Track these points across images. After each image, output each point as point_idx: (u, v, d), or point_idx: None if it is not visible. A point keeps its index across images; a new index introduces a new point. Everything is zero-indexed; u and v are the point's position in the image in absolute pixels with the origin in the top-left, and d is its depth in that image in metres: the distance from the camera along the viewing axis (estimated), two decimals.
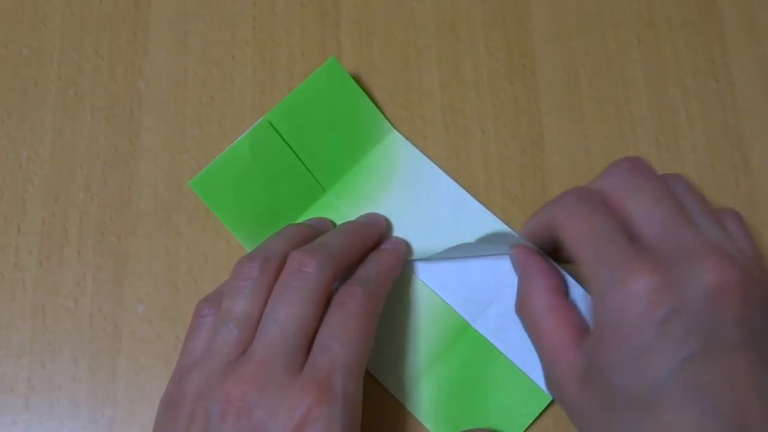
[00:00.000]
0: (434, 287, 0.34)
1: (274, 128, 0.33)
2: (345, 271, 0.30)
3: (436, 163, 0.36)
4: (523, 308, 0.29)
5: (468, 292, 0.33)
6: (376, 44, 0.38)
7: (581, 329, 0.27)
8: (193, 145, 0.36)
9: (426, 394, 0.32)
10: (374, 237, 0.33)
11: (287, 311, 0.27)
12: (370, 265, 0.31)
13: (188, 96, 0.37)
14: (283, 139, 0.34)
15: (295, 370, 0.26)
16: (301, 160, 0.34)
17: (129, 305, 0.34)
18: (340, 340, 0.27)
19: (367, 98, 0.35)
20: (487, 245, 0.32)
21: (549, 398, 0.32)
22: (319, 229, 0.33)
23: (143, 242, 0.35)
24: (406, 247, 0.34)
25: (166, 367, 0.33)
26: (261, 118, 0.33)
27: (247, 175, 0.33)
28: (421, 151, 0.36)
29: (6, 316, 0.34)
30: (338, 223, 0.34)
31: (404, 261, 0.33)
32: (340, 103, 0.35)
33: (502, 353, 0.32)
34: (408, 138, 0.36)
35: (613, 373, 0.24)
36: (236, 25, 0.38)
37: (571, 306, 0.29)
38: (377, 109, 0.36)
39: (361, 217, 0.34)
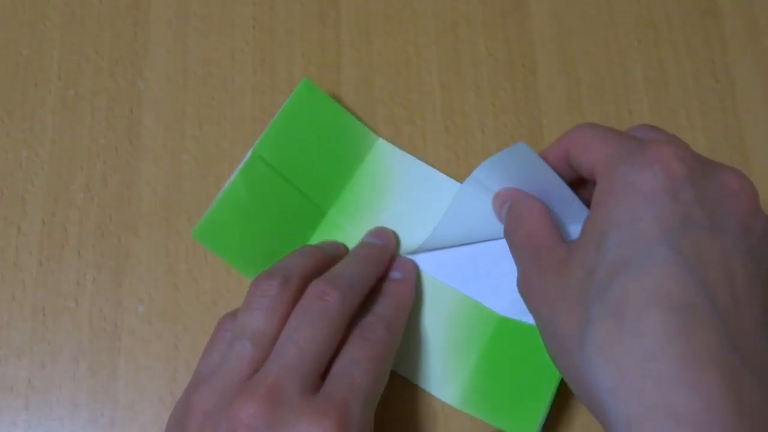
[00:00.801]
0: (458, 287, 0.34)
1: (265, 160, 0.33)
2: (363, 299, 0.31)
3: (436, 163, 0.36)
4: (519, 220, 0.30)
5: (489, 282, 0.34)
6: (376, 44, 0.38)
7: (562, 238, 0.28)
8: (193, 145, 0.36)
9: (477, 389, 0.32)
10: (387, 261, 0.33)
11: (307, 334, 0.27)
12: (387, 300, 0.32)
13: (188, 96, 0.37)
14: (275, 170, 0.33)
15: (310, 394, 0.26)
16: (296, 187, 0.34)
17: (129, 305, 0.34)
18: (361, 367, 0.27)
19: (347, 112, 0.35)
20: (467, 211, 0.33)
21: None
22: (333, 253, 0.33)
23: (143, 242, 0.35)
24: (416, 270, 0.34)
25: (166, 367, 0.33)
26: (249, 153, 0.33)
27: (247, 214, 0.33)
28: (421, 150, 0.36)
29: (6, 316, 0.34)
30: (347, 243, 0.34)
31: (415, 286, 0.33)
32: (321, 123, 0.34)
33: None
34: (405, 139, 0.36)
35: (606, 236, 0.24)
36: (236, 25, 0.38)
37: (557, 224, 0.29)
38: (359, 121, 0.35)
39: (371, 236, 0.34)
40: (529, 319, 0.32)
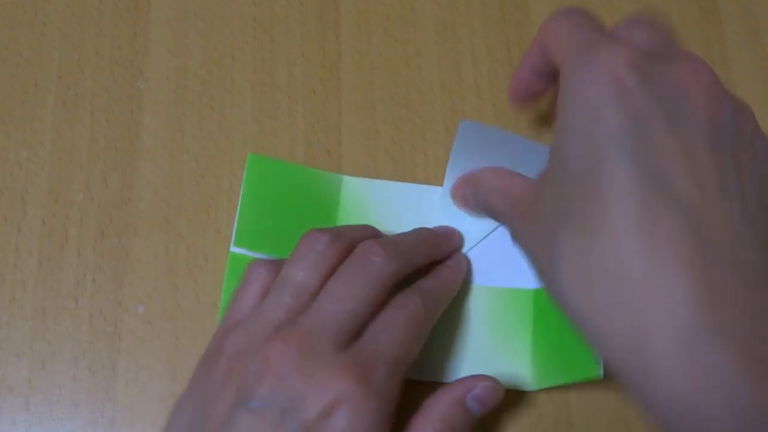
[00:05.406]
0: (484, 283, 0.34)
1: (243, 253, 0.33)
2: (410, 272, 0.30)
3: (435, 162, 0.36)
4: (479, 185, 0.32)
5: (510, 266, 0.34)
6: (376, 44, 0.38)
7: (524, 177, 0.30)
8: (193, 145, 0.36)
9: (541, 362, 0.32)
10: (445, 250, 0.33)
11: (346, 291, 0.27)
12: (433, 279, 0.31)
13: (188, 96, 0.37)
14: (258, 256, 0.34)
15: (340, 349, 0.26)
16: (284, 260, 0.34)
17: (129, 305, 0.34)
18: (391, 334, 0.27)
19: (303, 167, 0.35)
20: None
21: None
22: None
23: (143, 242, 0.35)
24: (467, 265, 0.34)
25: (166, 367, 0.33)
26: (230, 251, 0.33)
27: None
28: (421, 150, 0.36)
29: (6, 316, 0.34)
30: None
31: (463, 280, 0.33)
32: (284, 188, 0.34)
33: None
34: (405, 139, 0.36)
35: (563, 154, 0.24)
36: (236, 25, 0.38)
37: None
38: (318, 170, 0.35)
39: (440, 227, 0.34)
40: None
